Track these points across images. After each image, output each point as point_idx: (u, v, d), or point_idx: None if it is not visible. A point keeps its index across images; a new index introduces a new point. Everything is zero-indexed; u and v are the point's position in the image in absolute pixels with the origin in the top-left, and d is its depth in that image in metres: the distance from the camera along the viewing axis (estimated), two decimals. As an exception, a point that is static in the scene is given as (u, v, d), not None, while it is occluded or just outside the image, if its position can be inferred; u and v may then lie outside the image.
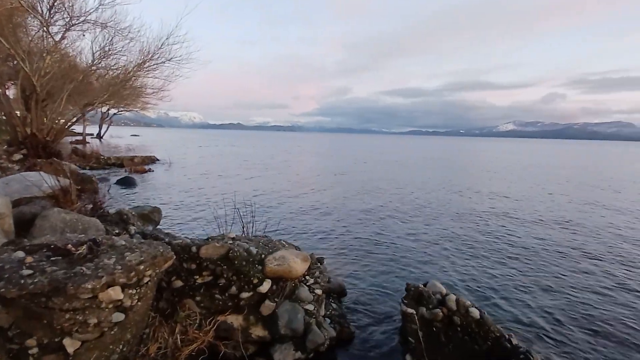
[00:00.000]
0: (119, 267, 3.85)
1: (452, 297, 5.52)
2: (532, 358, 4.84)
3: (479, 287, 8.29)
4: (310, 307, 5.80)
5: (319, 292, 6.17)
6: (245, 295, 5.50)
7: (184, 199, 16.81)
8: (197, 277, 5.56)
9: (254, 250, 5.91)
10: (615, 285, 8.51)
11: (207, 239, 6.31)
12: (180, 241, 5.80)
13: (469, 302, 5.52)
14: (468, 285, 8.35)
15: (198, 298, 5.52)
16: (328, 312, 6.39)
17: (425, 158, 55.17)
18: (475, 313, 5.33)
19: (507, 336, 5.29)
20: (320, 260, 7.99)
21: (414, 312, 5.41)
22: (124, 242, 4.54)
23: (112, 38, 24.51)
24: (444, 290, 5.81)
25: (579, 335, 6.37)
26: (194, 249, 5.62)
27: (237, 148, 65.45)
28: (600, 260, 10.20)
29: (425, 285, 6.08)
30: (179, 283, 5.55)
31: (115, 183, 19.97)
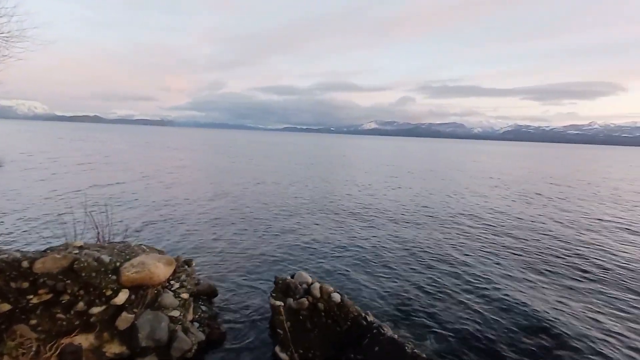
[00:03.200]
0: None
1: (317, 285, 5.92)
2: (383, 330, 5.54)
3: (343, 272, 9.07)
4: (176, 313, 5.50)
5: (185, 296, 5.89)
6: (96, 310, 4.90)
7: (19, 204, 13.93)
8: (32, 296, 4.70)
9: (106, 258, 5.28)
10: (441, 267, 10.34)
11: (45, 251, 5.39)
12: (6, 256, 4.81)
13: (332, 288, 6.00)
14: (334, 272, 9.06)
15: (34, 321, 4.68)
16: (197, 316, 6.16)
17: (299, 154, 57.41)
18: (337, 297, 5.83)
19: (363, 314, 5.93)
20: (188, 262, 7.61)
21: (282, 304, 5.62)
22: None
23: None
24: (310, 280, 6.19)
25: (418, 306, 7.53)
26: (25, 263, 4.73)
27: (87, 143, 57.16)
28: (433, 247, 12.25)
29: (292, 276, 6.36)
30: (5, 307, 4.62)
31: None
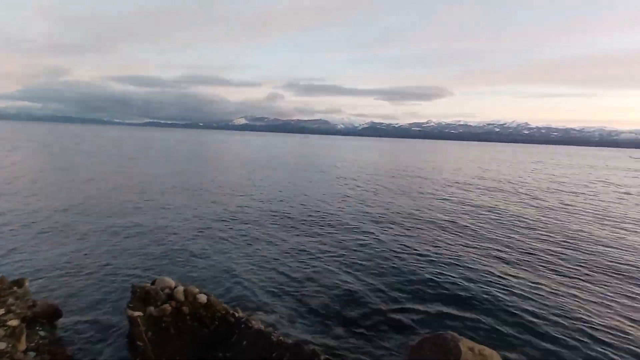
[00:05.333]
0: None
1: (180, 288, 5.71)
2: (250, 324, 5.69)
3: (211, 272, 8.88)
4: (2, 345, 4.61)
5: (14, 322, 4.97)
6: None
7: None
8: None
9: None
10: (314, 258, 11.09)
11: None
12: None
13: (197, 290, 5.86)
14: (202, 273, 8.79)
15: None
16: (33, 343, 5.26)
17: (161, 150, 53.03)
18: (203, 298, 5.73)
19: (231, 311, 5.97)
20: (20, 283, 6.41)
21: (140, 314, 5.25)
22: None
23: None
24: (173, 284, 5.92)
25: (289, 293, 7.95)
26: None
27: None
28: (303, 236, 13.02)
29: (153, 283, 5.98)
30: None
31: None
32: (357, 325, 6.76)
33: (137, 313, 5.28)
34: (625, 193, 26.26)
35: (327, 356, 5.00)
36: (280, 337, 5.37)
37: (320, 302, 7.59)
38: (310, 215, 15.14)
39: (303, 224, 13.82)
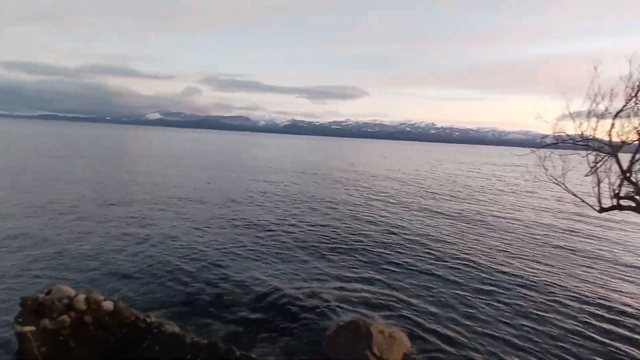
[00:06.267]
0: None
1: (82, 297, 5.24)
2: (164, 328, 5.45)
3: (119, 277, 8.21)
4: None
5: None
6: None
7: None
8: None
9: None
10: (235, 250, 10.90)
11: None
12: None
13: (102, 297, 5.44)
14: (108, 279, 8.10)
15: None
16: None
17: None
18: (109, 305, 5.33)
19: (142, 317, 5.65)
20: None
21: (32, 329, 4.71)
22: None
23: None
24: (73, 292, 5.40)
25: (204, 296, 7.72)
26: None
27: None
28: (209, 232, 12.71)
29: (48, 293, 5.39)
30: None
31: None
32: (272, 320, 6.82)
33: (27, 328, 4.72)
34: (499, 182, 30.25)
35: (242, 352, 5.02)
36: (195, 339, 5.25)
37: (233, 301, 7.50)
38: (221, 216, 14.80)
39: (211, 224, 13.43)
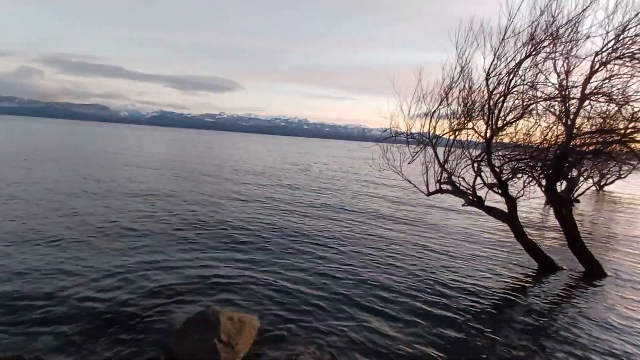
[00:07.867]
0: None
1: None
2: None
3: None
4: None
5: None
6: None
7: None
8: None
9: None
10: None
11: None
12: None
13: None
14: None
15: None
16: None
17: None
18: None
19: None
20: None
21: None
22: None
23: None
24: None
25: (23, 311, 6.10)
26: None
27: None
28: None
29: None
30: None
31: None
32: (108, 326, 5.73)
33: None
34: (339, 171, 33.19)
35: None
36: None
37: (53, 313, 6.14)
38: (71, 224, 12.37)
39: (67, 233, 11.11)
